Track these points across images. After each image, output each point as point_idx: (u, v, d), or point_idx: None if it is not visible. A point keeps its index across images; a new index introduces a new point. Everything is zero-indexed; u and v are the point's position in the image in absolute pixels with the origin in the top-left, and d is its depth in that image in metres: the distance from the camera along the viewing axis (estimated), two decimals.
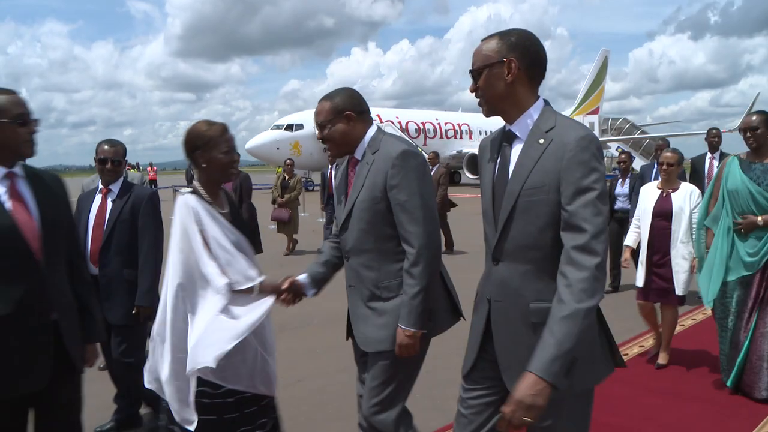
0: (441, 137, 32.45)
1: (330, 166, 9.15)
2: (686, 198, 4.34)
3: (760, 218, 3.68)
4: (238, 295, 2.26)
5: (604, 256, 1.66)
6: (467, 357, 1.98)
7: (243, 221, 2.55)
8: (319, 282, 2.59)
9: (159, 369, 2.26)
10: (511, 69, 1.78)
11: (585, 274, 1.64)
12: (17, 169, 2.17)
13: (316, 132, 2.47)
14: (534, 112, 1.82)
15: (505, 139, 1.88)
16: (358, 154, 2.45)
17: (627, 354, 4.82)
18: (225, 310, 2.21)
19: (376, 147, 2.40)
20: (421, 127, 31.85)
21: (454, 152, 31.90)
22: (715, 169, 6.52)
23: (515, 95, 1.81)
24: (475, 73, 1.85)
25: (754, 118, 3.78)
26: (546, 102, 1.85)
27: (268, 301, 2.31)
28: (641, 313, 4.67)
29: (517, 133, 1.84)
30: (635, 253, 4.63)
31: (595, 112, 41.32)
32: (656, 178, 4.39)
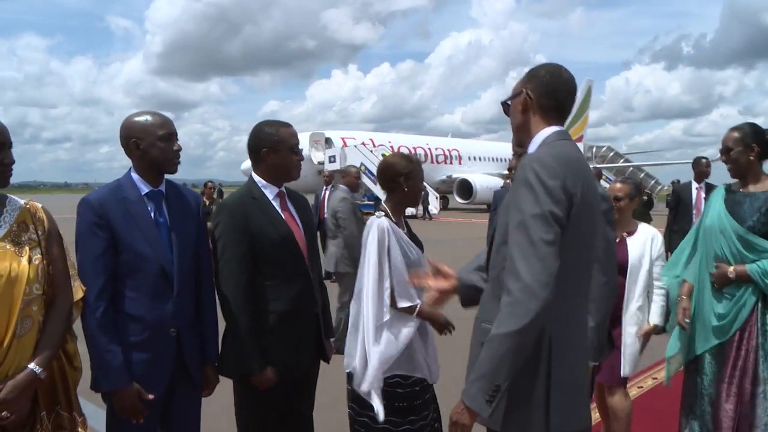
0: (432, 162, 33.27)
1: (324, 188, 9.36)
2: (646, 245, 3.19)
3: (731, 268, 2.71)
4: (400, 313, 2.53)
5: (531, 280, 1.55)
6: None
7: (418, 239, 2.80)
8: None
9: (353, 357, 2.57)
10: (523, 98, 1.83)
11: (507, 298, 1.59)
12: (284, 189, 2.57)
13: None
14: (538, 139, 1.81)
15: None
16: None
17: None
18: (390, 326, 2.50)
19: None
20: (413, 151, 32.56)
21: (444, 177, 32.69)
22: (704, 202, 6.19)
23: (527, 124, 1.85)
24: (505, 106, 1.94)
25: (730, 134, 2.84)
26: (560, 131, 1.81)
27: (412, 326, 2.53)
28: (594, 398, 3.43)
29: None
30: None
31: (579, 140, 42.31)
32: None
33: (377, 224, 2.61)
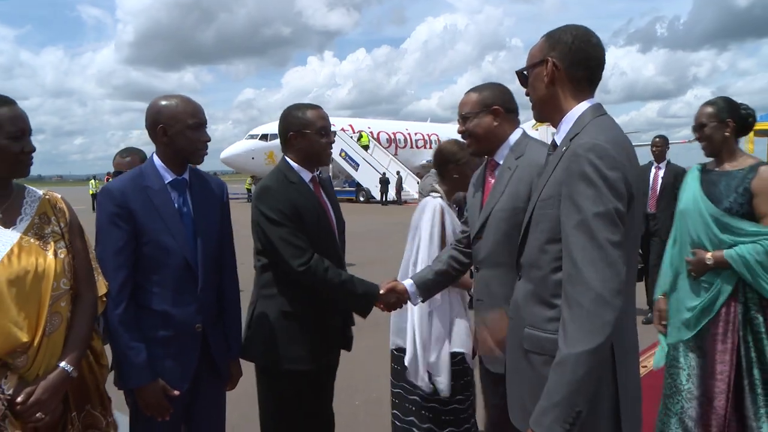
0: (411, 147, 33.28)
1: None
2: None
3: (708, 254, 2.54)
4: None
5: (602, 288, 1.38)
6: None
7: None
8: (430, 290, 2.39)
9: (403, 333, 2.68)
10: (550, 69, 1.61)
11: (576, 311, 1.40)
12: (316, 174, 2.45)
13: (458, 125, 2.31)
14: (573, 116, 1.60)
15: (551, 148, 1.70)
16: (498, 157, 2.22)
17: None
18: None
19: (520, 151, 2.16)
20: (392, 137, 32.65)
21: (424, 162, 32.73)
22: (660, 182, 6.19)
23: (556, 99, 1.63)
24: (522, 75, 1.72)
25: (704, 109, 2.68)
26: (595, 106, 1.61)
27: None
28: None
29: (557, 141, 1.66)
30: None
31: None
32: None
33: (432, 204, 2.71)
